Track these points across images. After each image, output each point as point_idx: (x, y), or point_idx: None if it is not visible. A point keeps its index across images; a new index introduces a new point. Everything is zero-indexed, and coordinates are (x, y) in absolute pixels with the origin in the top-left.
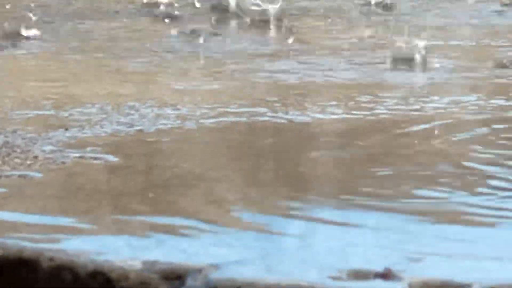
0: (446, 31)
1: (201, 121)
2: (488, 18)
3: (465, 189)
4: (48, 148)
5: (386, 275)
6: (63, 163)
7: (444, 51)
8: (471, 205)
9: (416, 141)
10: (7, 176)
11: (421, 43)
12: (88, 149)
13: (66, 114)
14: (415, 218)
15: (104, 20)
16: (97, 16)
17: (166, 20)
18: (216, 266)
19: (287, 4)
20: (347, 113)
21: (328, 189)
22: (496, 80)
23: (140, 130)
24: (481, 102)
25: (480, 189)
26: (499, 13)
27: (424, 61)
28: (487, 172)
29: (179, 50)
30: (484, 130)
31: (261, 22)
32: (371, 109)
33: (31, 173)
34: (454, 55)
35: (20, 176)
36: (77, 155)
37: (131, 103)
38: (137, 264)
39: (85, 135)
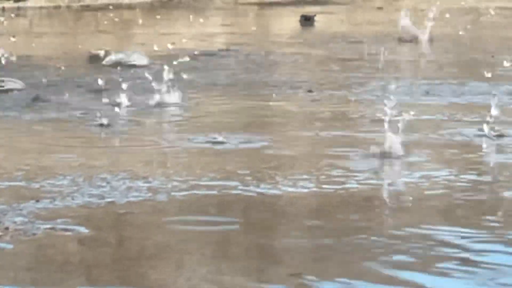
0: None
1: (173, 193)
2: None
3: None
4: (19, 219)
5: None
6: (34, 234)
7: None
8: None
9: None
10: None
11: None
12: (59, 220)
13: (37, 185)
14: None
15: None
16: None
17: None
18: None
19: None
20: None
21: (296, 264)
22: None
23: (112, 202)
24: None
25: None
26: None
27: None
28: None
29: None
30: None
31: None
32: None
33: (2, 244)
34: None
35: None
36: (48, 226)
37: (103, 175)
38: None
39: (56, 206)
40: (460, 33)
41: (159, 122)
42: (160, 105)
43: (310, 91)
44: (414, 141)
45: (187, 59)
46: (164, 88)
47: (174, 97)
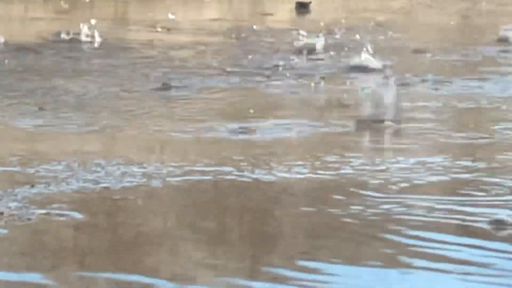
0: None
1: (167, 179)
2: None
3: None
4: (14, 204)
5: None
6: (29, 219)
7: None
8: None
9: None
10: None
11: None
12: (54, 206)
13: (32, 171)
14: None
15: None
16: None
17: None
18: None
19: None
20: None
21: (291, 250)
22: None
23: (106, 188)
24: None
25: None
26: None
27: None
28: None
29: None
30: None
31: None
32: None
33: None
34: None
35: None
36: (43, 212)
37: (97, 161)
38: None
39: (51, 192)
40: (452, 22)
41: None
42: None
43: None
44: None
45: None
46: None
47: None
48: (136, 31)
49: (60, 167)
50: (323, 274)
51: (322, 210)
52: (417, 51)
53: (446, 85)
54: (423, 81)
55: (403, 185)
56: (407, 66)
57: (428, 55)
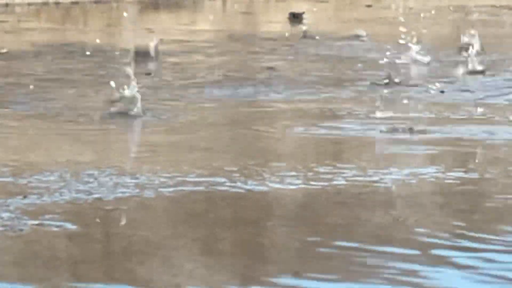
0: None
1: (160, 190)
2: None
3: None
4: (6, 215)
5: None
6: (21, 230)
7: None
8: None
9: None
10: None
11: None
12: (47, 216)
13: (25, 181)
14: None
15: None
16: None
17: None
18: None
19: None
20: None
21: (284, 260)
22: None
23: (99, 198)
24: None
25: None
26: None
27: None
28: None
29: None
30: None
31: None
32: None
33: None
34: None
35: None
36: (35, 222)
37: (90, 171)
38: None
39: (43, 202)
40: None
41: None
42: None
43: None
44: None
45: None
46: None
47: None
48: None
49: (52, 178)
50: (316, 285)
51: (314, 220)
52: None
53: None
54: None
55: None
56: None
57: None
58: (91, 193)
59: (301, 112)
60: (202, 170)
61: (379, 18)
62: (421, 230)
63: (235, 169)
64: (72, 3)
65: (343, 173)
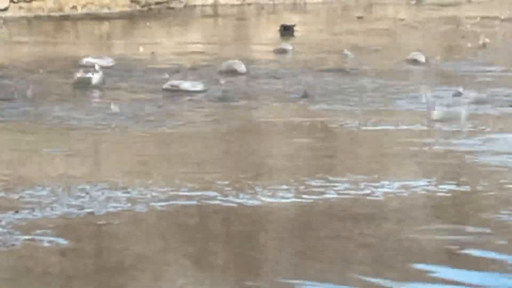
0: None
1: (152, 204)
2: None
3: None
4: None
5: None
6: (13, 245)
7: None
8: None
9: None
10: None
11: None
12: (38, 231)
13: (16, 196)
14: None
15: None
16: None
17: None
18: None
19: None
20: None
21: (277, 273)
22: None
23: (91, 213)
24: None
25: None
26: None
27: None
28: None
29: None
30: None
31: None
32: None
33: None
34: None
35: None
36: (27, 237)
37: (82, 186)
38: None
39: (35, 217)
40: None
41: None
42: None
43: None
44: None
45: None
46: None
47: None
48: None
49: (44, 192)
50: None
51: (306, 234)
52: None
53: None
54: None
55: None
56: None
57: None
58: (83, 208)
59: (293, 125)
60: (194, 184)
61: (371, 29)
62: (413, 244)
63: (226, 182)
64: (62, 16)
65: (335, 186)
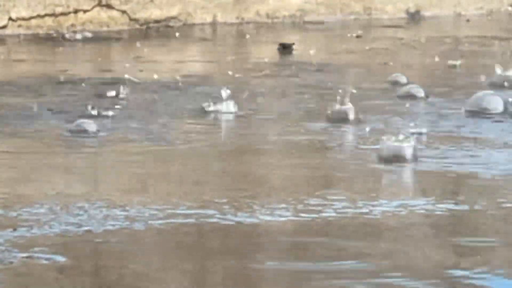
0: None
1: (150, 222)
2: None
3: None
4: None
5: None
6: (11, 263)
7: None
8: None
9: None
10: None
11: None
12: (36, 249)
13: (14, 214)
14: None
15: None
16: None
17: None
18: None
19: None
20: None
21: None
22: None
23: (89, 231)
24: None
25: None
26: None
27: None
28: None
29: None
30: None
31: None
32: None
33: None
34: None
35: None
36: (25, 255)
37: (80, 204)
38: None
39: (33, 235)
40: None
41: None
42: None
43: None
44: None
45: None
46: None
47: None
48: None
49: (42, 210)
50: None
51: (304, 252)
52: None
53: None
54: None
55: None
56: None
57: None
58: (81, 226)
59: (292, 144)
60: (192, 202)
61: (370, 49)
62: (411, 263)
63: (225, 200)
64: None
65: (333, 204)
